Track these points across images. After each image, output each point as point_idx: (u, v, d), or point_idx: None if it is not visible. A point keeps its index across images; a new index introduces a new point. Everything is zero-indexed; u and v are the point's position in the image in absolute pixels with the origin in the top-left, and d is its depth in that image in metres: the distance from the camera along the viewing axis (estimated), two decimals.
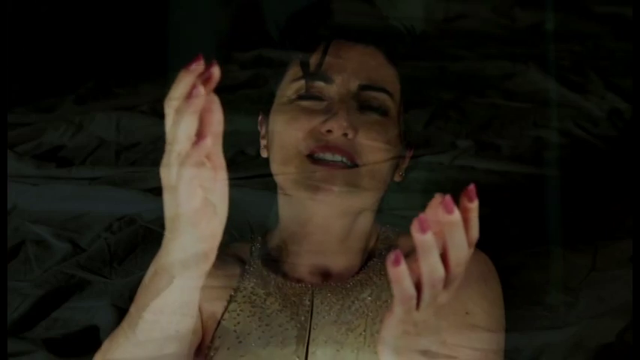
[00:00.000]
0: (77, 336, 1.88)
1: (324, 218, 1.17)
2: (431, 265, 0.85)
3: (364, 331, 1.12)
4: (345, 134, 1.14)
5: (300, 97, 1.18)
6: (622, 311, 1.78)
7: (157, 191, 2.41)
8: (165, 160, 0.87)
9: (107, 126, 2.92)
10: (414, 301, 0.87)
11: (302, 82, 1.18)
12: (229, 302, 1.16)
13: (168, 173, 0.87)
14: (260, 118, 1.27)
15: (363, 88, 1.18)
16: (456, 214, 0.84)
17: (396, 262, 0.84)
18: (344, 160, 1.14)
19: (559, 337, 1.77)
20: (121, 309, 1.91)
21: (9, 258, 2.14)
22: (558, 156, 2.66)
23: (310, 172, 1.13)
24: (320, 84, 1.18)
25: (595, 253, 2.07)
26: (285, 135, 1.16)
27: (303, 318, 1.13)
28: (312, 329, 1.13)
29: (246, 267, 1.21)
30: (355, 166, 1.14)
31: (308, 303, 1.15)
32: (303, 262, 1.20)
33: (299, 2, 4.09)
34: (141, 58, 3.50)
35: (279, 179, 1.19)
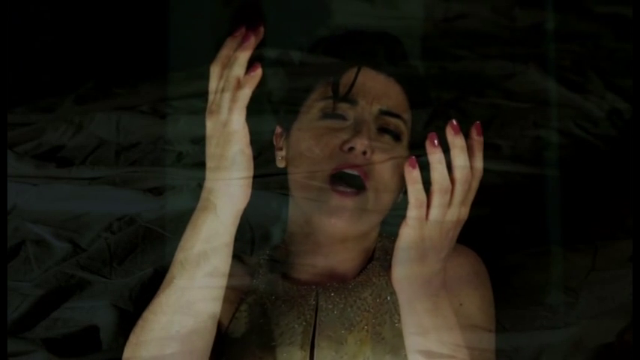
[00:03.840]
0: (77, 336, 1.88)
1: (333, 233, 1.24)
2: (440, 174, 1.02)
3: (366, 325, 1.20)
4: (365, 152, 1.22)
5: (325, 116, 1.26)
6: (622, 311, 1.78)
7: (157, 191, 2.45)
8: (211, 102, 1.05)
9: (107, 126, 2.92)
10: (424, 209, 1.03)
11: (328, 101, 1.26)
12: (240, 304, 1.24)
13: (218, 109, 1.04)
14: (278, 130, 1.32)
15: (383, 112, 1.26)
16: (461, 136, 1.02)
17: (413, 166, 1.03)
18: (359, 178, 1.22)
19: (559, 337, 1.77)
20: (121, 309, 1.91)
21: (9, 258, 2.14)
22: (558, 156, 2.66)
23: (327, 198, 1.21)
24: (345, 105, 1.25)
25: (595, 253, 2.07)
26: (312, 152, 1.24)
27: (308, 316, 1.21)
28: (317, 325, 1.20)
29: (255, 273, 1.28)
30: (364, 189, 1.22)
31: (313, 302, 1.22)
32: (306, 262, 1.27)
33: (299, 3, 4.09)
34: (141, 58, 3.50)
35: (295, 194, 1.26)
